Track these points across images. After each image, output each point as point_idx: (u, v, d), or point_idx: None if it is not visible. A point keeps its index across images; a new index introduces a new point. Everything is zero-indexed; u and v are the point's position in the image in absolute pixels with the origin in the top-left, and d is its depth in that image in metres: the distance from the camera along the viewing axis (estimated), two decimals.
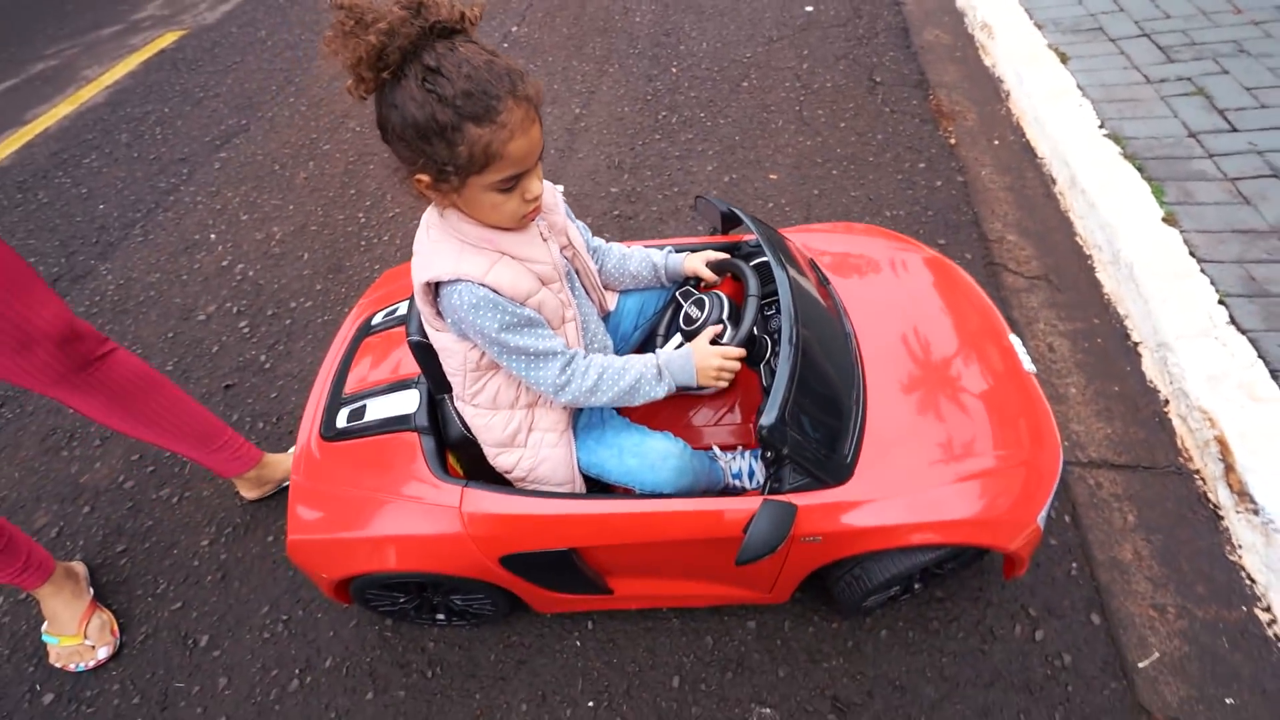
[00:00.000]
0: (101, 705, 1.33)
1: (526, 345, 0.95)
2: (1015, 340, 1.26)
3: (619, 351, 1.25)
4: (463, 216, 0.93)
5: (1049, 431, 1.13)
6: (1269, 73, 2.24)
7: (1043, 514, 1.06)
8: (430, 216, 0.97)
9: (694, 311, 1.17)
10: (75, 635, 1.36)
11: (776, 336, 1.14)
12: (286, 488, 1.52)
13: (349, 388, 1.26)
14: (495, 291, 0.91)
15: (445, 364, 1.05)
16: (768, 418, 0.94)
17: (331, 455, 1.17)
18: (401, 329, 1.32)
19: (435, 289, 0.94)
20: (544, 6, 3.74)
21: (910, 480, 1.04)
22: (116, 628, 1.42)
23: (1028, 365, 1.23)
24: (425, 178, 0.84)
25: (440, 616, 1.31)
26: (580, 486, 1.13)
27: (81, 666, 1.37)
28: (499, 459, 1.11)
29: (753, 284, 1.15)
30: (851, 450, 1.05)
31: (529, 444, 1.09)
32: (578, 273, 1.12)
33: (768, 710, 1.21)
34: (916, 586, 1.27)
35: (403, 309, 1.36)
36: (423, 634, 1.36)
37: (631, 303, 1.29)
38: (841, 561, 1.11)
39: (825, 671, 1.25)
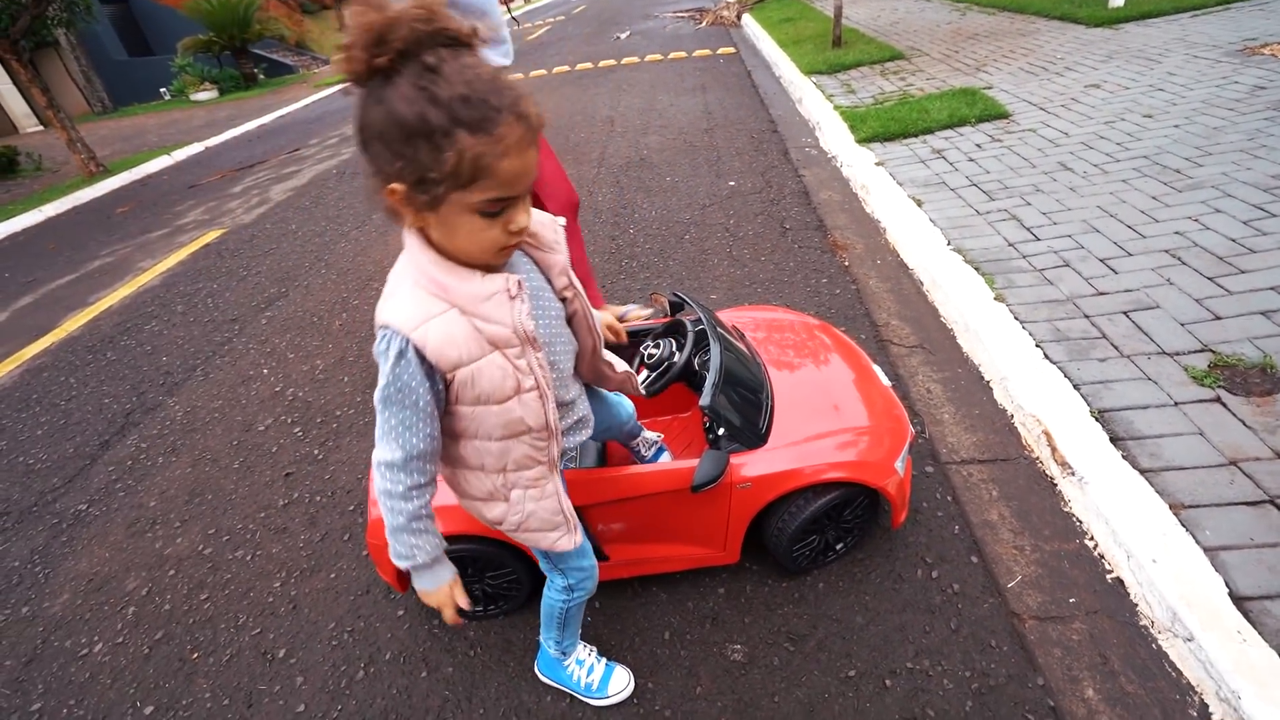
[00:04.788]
0: (195, 710, 1.60)
1: (392, 423, 0.91)
2: (876, 367, 1.84)
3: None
4: (425, 245, 0.86)
5: (899, 414, 1.67)
6: (1056, 203, 3.14)
7: (899, 461, 1.56)
8: (407, 240, 0.89)
9: (653, 349, 1.71)
10: None
11: (708, 365, 1.69)
12: None
13: None
14: (419, 351, 0.85)
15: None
16: (705, 399, 1.46)
17: None
18: None
19: None
20: None
21: (807, 441, 1.54)
22: None
23: (885, 381, 1.79)
24: (400, 187, 0.78)
25: (478, 608, 1.67)
26: (574, 519, 1.18)
27: None
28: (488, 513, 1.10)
29: (688, 326, 1.71)
30: (765, 425, 1.56)
31: (511, 500, 1.07)
32: (573, 316, 1.11)
33: (739, 646, 1.57)
34: (840, 547, 1.70)
35: None
36: (464, 627, 1.70)
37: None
38: (770, 511, 1.56)
39: (780, 616, 1.63)
